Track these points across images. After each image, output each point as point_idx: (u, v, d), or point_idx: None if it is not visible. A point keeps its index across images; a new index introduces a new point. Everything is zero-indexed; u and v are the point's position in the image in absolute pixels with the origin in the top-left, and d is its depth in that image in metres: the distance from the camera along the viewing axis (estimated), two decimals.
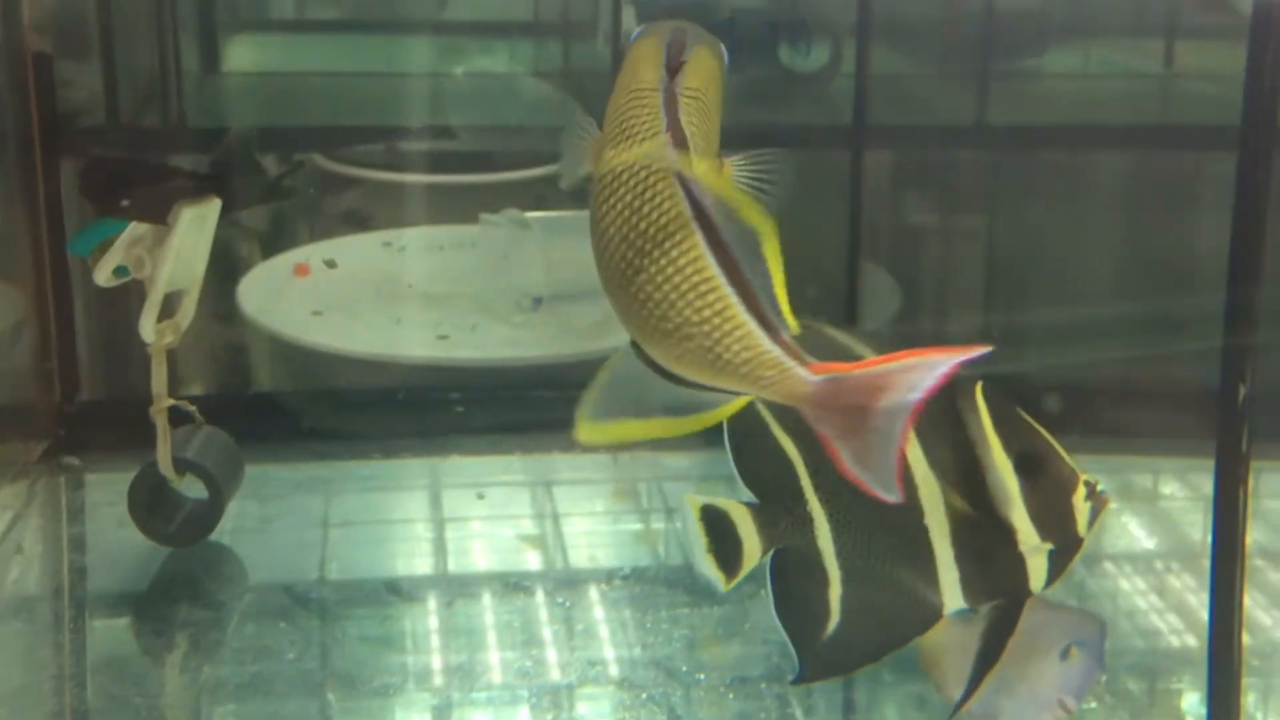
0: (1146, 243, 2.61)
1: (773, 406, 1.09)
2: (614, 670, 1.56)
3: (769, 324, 0.87)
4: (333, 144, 2.93)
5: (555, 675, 1.56)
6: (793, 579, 1.14)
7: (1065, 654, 1.14)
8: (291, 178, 1.95)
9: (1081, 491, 1.09)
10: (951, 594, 1.10)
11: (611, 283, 0.89)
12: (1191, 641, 1.65)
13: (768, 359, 0.86)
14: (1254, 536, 1.90)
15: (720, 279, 0.87)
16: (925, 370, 0.83)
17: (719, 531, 1.14)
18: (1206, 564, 1.18)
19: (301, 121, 2.89)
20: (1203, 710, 1.53)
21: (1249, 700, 1.57)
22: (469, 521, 1.96)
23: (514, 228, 2.42)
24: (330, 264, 2.53)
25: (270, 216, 2.86)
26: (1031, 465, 1.07)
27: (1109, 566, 1.84)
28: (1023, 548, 1.08)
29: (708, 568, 1.13)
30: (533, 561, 1.84)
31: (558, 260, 2.37)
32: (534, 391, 2.21)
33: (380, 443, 2.10)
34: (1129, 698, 1.56)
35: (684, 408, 0.91)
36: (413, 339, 2.31)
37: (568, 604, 1.70)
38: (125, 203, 1.62)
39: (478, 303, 2.42)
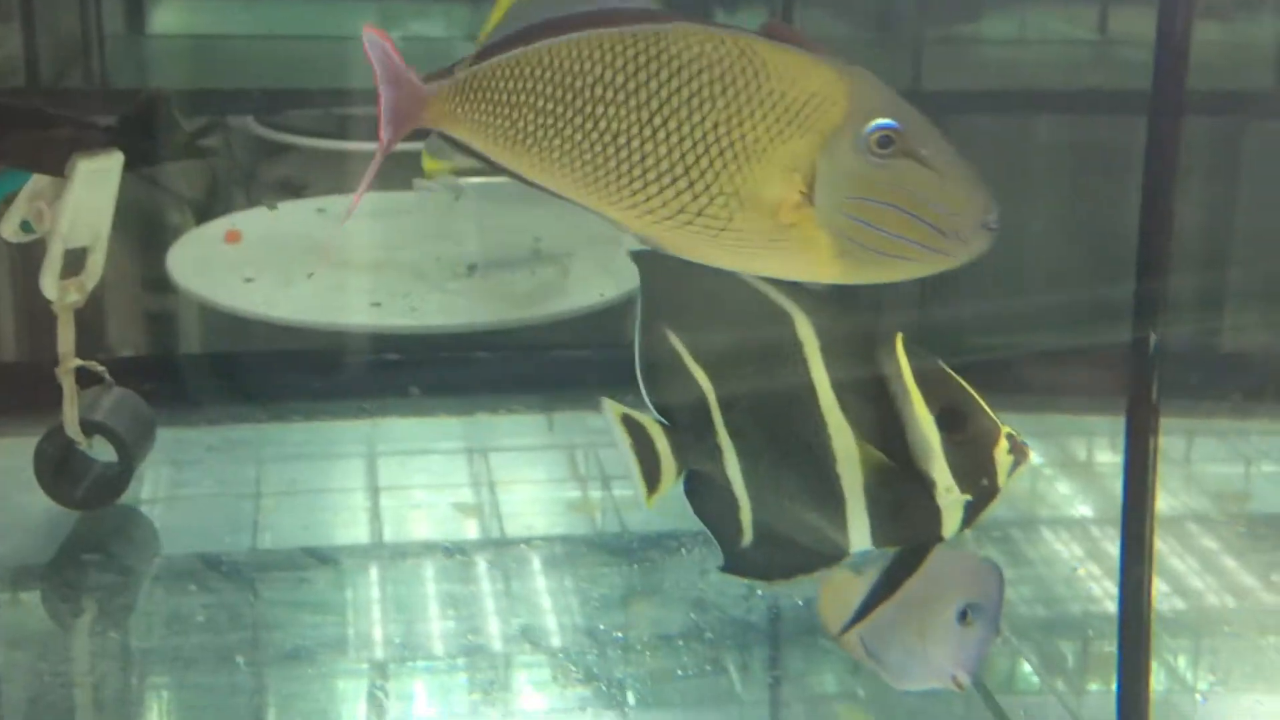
0: (1082, 205, 2.63)
1: (686, 336, 1.12)
2: (549, 638, 1.56)
3: None
4: (263, 108, 2.90)
5: (486, 643, 1.55)
6: (706, 499, 1.15)
7: (963, 617, 1.13)
8: (206, 135, 1.92)
9: (1004, 444, 1.08)
10: (860, 537, 1.11)
11: None
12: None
13: None
14: (1188, 501, 1.93)
15: None
16: None
17: (641, 443, 1.14)
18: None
19: (230, 85, 2.86)
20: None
21: (1180, 662, 1.59)
22: (403, 490, 1.95)
23: (448, 193, 2.39)
24: (271, 207, 2.50)
25: (205, 184, 2.82)
26: (953, 418, 1.07)
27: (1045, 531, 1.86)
28: (940, 499, 1.08)
29: (635, 476, 1.13)
30: (468, 530, 1.83)
31: (492, 226, 2.36)
32: (470, 357, 2.20)
33: (311, 406, 2.09)
34: (1062, 660, 1.58)
35: None
36: (345, 306, 2.29)
37: (502, 572, 1.69)
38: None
39: (412, 269, 2.40)
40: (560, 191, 1.00)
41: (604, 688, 1.48)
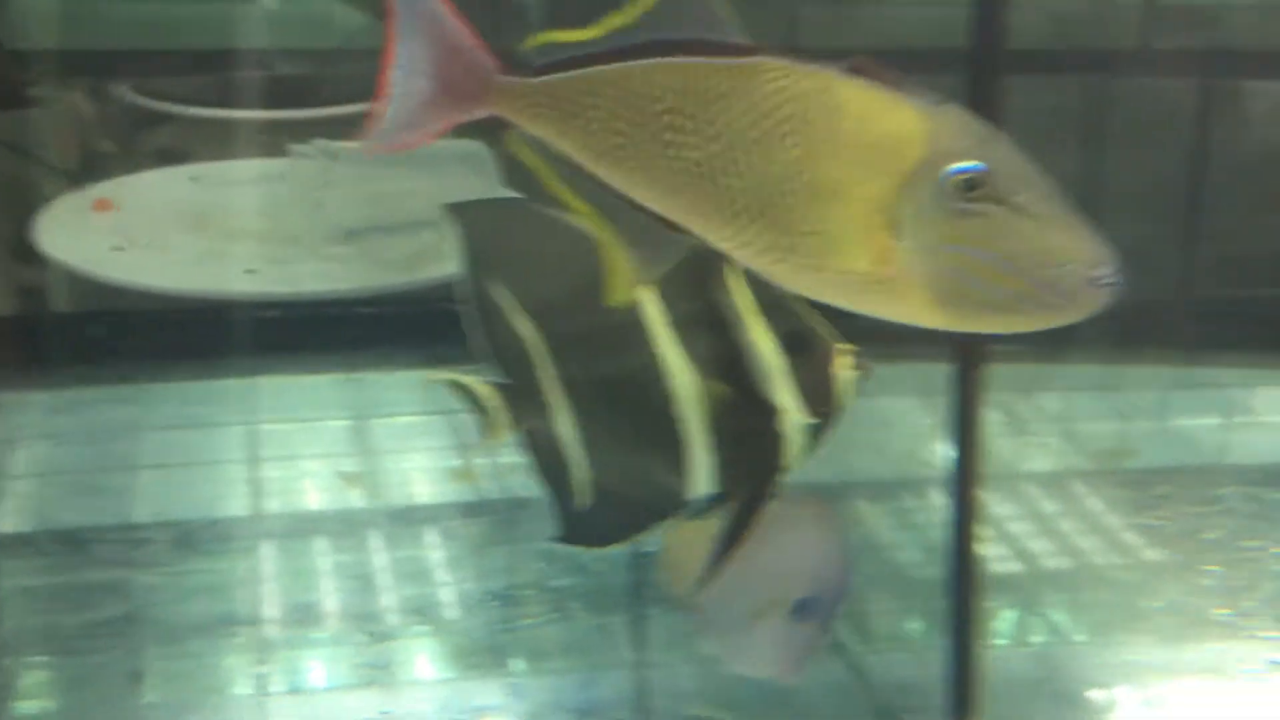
0: None
1: (511, 290, 1.11)
2: (432, 607, 1.55)
3: None
4: (138, 70, 2.83)
5: (373, 614, 1.55)
6: (540, 457, 1.13)
7: (799, 611, 1.12)
8: (34, 85, 1.87)
9: (845, 361, 1.08)
10: (702, 480, 1.09)
11: None
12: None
13: None
14: (1067, 458, 1.97)
15: None
16: None
17: (470, 405, 1.12)
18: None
19: (105, 47, 2.80)
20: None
21: (1059, 615, 1.62)
22: (285, 460, 1.93)
23: (324, 159, 2.37)
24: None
25: (80, 154, 2.76)
26: (794, 340, 1.06)
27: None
28: (785, 425, 1.07)
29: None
30: (351, 499, 1.82)
31: (370, 191, 2.33)
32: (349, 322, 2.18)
33: (186, 372, 2.06)
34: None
35: None
36: (219, 274, 2.25)
37: (385, 541, 1.69)
38: None
39: (287, 236, 2.37)
40: (665, 214, 0.94)
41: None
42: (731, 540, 1.10)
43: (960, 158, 0.87)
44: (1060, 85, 2.74)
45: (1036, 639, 1.57)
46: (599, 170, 0.94)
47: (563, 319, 1.11)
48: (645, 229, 0.95)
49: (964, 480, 1.13)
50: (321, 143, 2.39)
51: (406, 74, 0.93)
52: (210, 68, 2.83)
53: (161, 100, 2.86)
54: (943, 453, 1.95)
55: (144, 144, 2.91)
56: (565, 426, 1.11)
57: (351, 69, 2.86)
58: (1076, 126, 2.76)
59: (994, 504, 1.82)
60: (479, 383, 1.12)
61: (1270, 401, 2.19)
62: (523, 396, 1.12)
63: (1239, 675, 1.47)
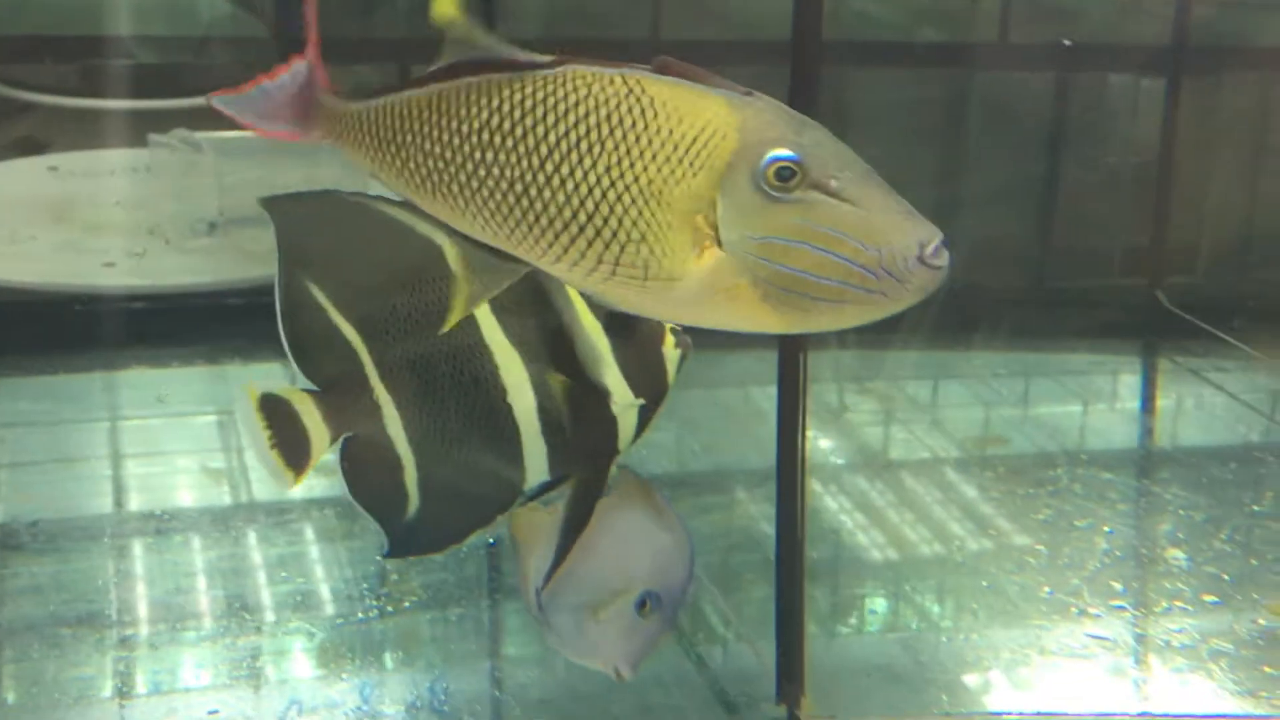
0: None
1: (330, 289, 1.07)
2: (307, 600, 1.55)
3: None
4: None
5: (236, 612, 1.54)
6: (365, 465, 1.08)
7: (641, 606, 1.11)
8: None
9: (670, 340, 1.07)
10: (536, 468, 1.07)
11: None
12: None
13: None
14: (937, 446, 2.00)
15: None
16: None
17: (282, 422, 1.06)
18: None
19: None
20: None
21: (929, 603, 1.65)
22: (148, 456, 1.90)
23: (185, 149, 2.34)
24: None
25: None
26: (619, 322, 1.04)
27: None
28: (615, 408, 1.05)
29: (271, 463, 1.05)
30: (216, 495, 1.80)
31: (233, 183, 2.31)
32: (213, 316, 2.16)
33: (42, 366, 2.03)
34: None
35: None
36: (76, 266, 2.22)
37: (248, 537, 1.68)
38: None
39: (148, 228, 2.33)
40: (480, 238, 0.92)
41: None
42: (573, 527, 1.09)
43: (774, 147, 0.85)
44: (920, 79, 2.78)
45: (910, 626, 1.60)
46: (421, 200, 0.92)
47: (385, 314, 1.07)
48: (475, 257, 0.93)
49: (788, 468, 1.15)
50: (183, 133, 2.36)
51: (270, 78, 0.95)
52: (71, 55, 2.78)
53: (20, 89, 2.81)
54: (815, 440, 1.99)
55: (3, 134, 2.86)
56: (394, 427, 1.07)
57: (214, 58, 2.83)
58: (935, 120, 2.81)
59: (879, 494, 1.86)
60: (294, 392, 1.07)
61: (1122, 387, 2.26)
62: (343, 402, 1.07)
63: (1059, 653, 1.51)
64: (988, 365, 2.24)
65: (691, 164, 0.86)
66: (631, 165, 0.87)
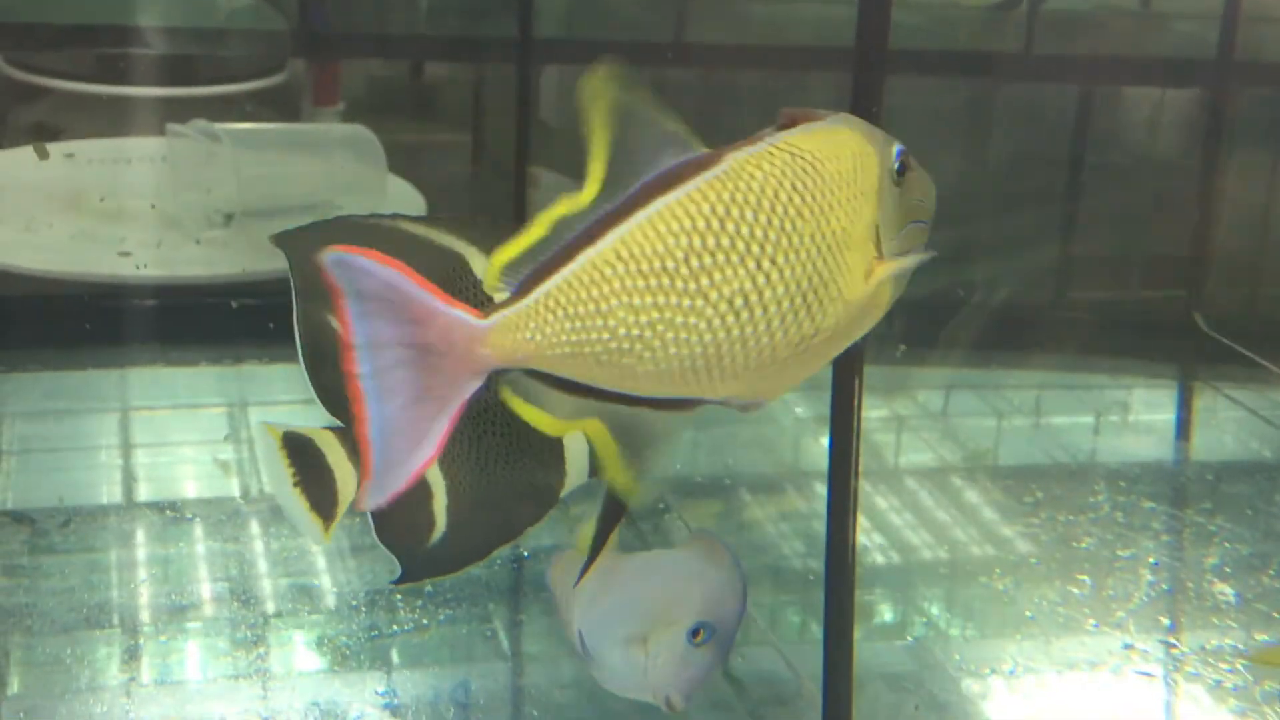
0: None
1: None
2: (315, 598, 1.53)
3: None
4: (11, 43, 2.77)
5: (249, 606, 1.52)
6: (393, 502, 1.00)
7: (694, 635, 1.08)
8: None
9: None
10: (578, 468, 1.02)
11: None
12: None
13: None
14: (945, 454, 1.99)
15: None
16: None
17: (306, 462, 1.01)
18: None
19: None
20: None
21: (935, 610, 1.64)
22: (159, 446, 1.89)
23: (204, 140, 2.32)
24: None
25: None
26: None
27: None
28: None
29: (297, 509, 1.01)
30: (228, 487, 1.78)
31: (251, 174, 2.29)
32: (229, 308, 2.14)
33: (58, 357, 2.01)
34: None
35: None
36: (92, 255, 2.20)
37: (260, 532, 1.66)
38: None
39: (165, 218, 2.32)
40: (659, 392, 0.87)
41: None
42: (609, 518, 1.02)
43: (888, 146, 0.92)
44: (944, 88, 2.77)
45: (914, 633, 1.59)
46: (619, 378, 0.86)
47: None
48: (630, 429, 0.88)
49: (842, 477, 1.13)
50: (201, 123, 2.34)
51: (375, 375, 0.81)
52: (89, 44, 2.77)
53: (37, 74, 2.80)
54: (825, 447, 1.97)
55: (18, 118, 2.85)
56: None
57: (234, 49, 2.82)
58: (959, 129, 2.80)
59: (881, 498, 1.84)
60: (318, 432, 1.02)
61: (1145, 403, 2.24)
62: None
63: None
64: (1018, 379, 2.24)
65: (862, 195, 0.90)
66: (827, 222, 0.88)
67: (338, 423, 1.03)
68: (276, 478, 1.01)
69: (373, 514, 1.04)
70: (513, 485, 1.04)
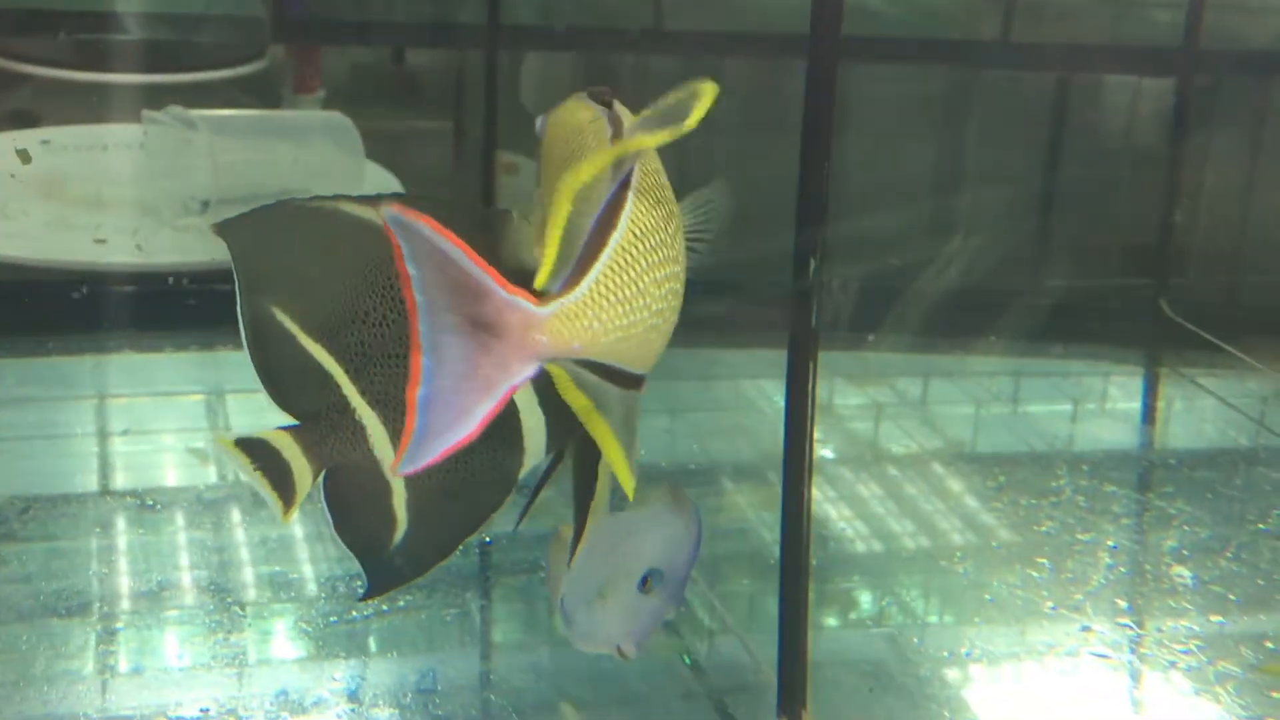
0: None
1: (296, 311, 1.01)
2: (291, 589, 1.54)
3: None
4: None
5: (224, 594, 1.53)
6: (351, 496, 1.02)
7: (643, 583, 1.08)
8: None
9: None
10: (535, 448, 1.01)
11: None
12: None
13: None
14: (925, 442, 2.00)
15: None
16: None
17: (264, 463, 1.00)
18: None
19: None
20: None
21: (911, 597, 1.65)
22: (136, 434, 1.89)
23: (180, 127, 2.32)
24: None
25: None
26: None
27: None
28: None
29: (264, 494, 1.00)
30: (204, 475, 1.78)
31: (227, 162, 2.29)
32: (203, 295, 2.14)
33: (31, 344, 2.01)
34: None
35: None
36: (67, 242, 2.20)
37: (232, 523, 1.66)
38: None
39: (141, 205, 2.32)
40: (652, 365, 0.88)
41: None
42: (585, 494, 1.05)
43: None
44: (919, 76, 2.78)
45: (890, 621, 1.59)
46: (636, 353, 0.86)
47: (355, 325, 1.00)
48: (615, 400, 0.88)
49: (796, 462, 1.14)
50: (178, 110, 2.34)
51: (431, 338, 0.79)
52: (67, 30, 2.77)
53: (15, 61, 2.79)
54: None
55: None
56: (381, 445, 1.01)
57: (213, 35, 2.82)
58: (936, 116, 2.80)
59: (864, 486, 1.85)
60: (272, 432, 1.01)
61: (1113, 389, 2.25)
62: (323, 430, 1.01)
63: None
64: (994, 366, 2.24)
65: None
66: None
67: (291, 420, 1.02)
68: (241, 469, 1.01)
69: (332, 513, 1.03)
70: (473, 471, 1.02)
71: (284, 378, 1.02)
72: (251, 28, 2.86)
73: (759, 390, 2.06)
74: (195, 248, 2.21)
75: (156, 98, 2.46)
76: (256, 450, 1.01)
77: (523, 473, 1.04)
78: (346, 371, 1.01)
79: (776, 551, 1.63)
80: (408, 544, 1.04)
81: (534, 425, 1.02)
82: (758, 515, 1.75)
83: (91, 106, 2.63)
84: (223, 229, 1.01)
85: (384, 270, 0.99)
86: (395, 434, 1.00)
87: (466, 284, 0.79)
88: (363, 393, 1.01)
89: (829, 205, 1.15)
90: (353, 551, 1.04)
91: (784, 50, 2.61)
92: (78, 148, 2.49)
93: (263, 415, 1.90)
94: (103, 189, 2.36)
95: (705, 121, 0.90)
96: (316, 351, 1.01)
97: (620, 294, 0.84)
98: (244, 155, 2.34)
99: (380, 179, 2.43)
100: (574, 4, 2.81)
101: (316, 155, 2.40)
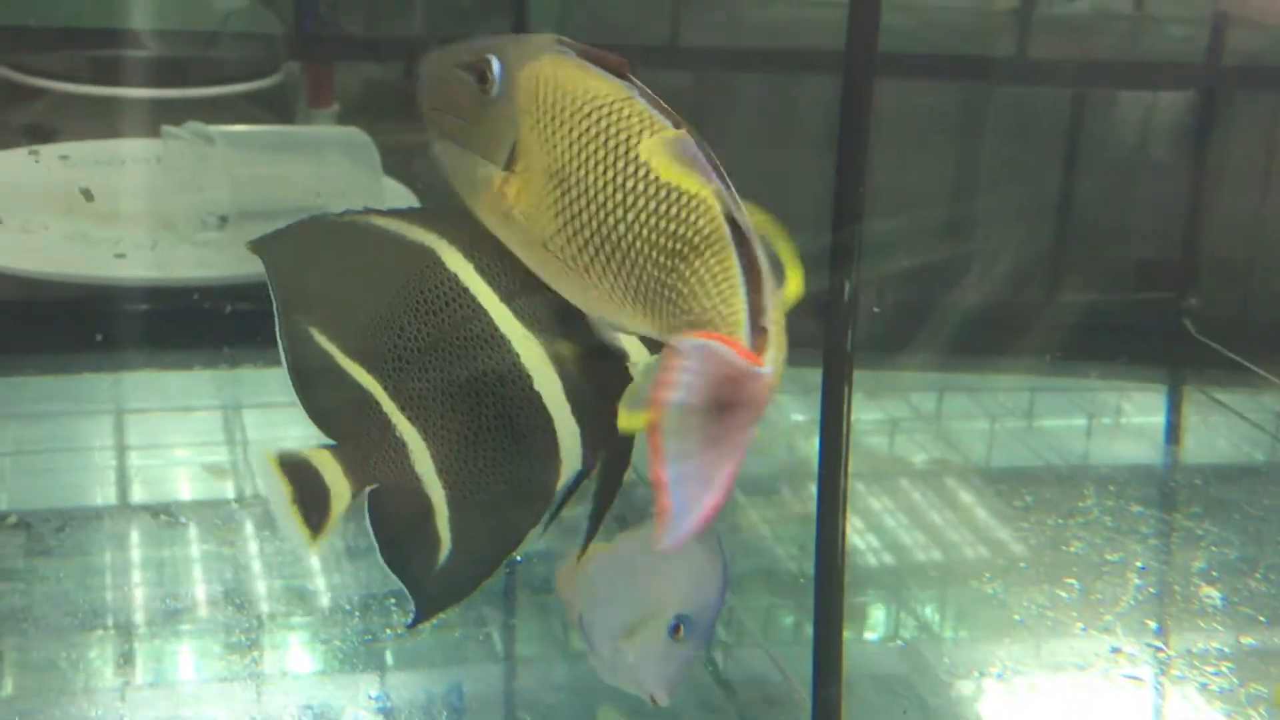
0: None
1: (334, 329, 1.00)
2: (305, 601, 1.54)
3: (756, 321, 0.84)
4: (5, 46, 2.77)
5: (244, 607, 1.53)
6: (395, 519, 1.01)
7: (674, 630, 1.07)
8: None
9: None
10: (571, 457, 1.01)
11: (645, 283, 0.86)
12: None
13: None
14: (940, 455, 2.00)
15: (739, 281, 0.85)
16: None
17: (303, 483, 0.99)
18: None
19: None
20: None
21: (928, 611, 1.65)
22: (152, 449, 1.89)
23: (198, 142, 2.32)
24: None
25: None
26: None
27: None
28: (633, 369, 1.00)
29: (291, 523, 0.98)
30: (218, 490, 1.78)
31: (245, 176, 2.29)
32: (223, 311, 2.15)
33: (51, 361, 2.01)
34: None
35: None
36: (88, 257, 2.20)
37: (249, 539, 1.66)
38: None
39: (159, 220, 2.32)
40: None
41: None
42: (603, 500, 1.04)
43: None
44: (937, 91, 2.78)
45: (906, 635, 1.59)
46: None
47: (393, 340, 1.00)
48: None
49: (831, 480, 1.14)
50: (196, 125, 2.34)
51: (677, 430, 0.81)
52: (85, 46, 2.78)
53: (32, 75, 2.80)
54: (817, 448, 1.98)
55: (13, 119, 2.85)
56: (422, 462, 1.01)
57: (228, 51, 2.83)
58: (952, 131, 2.80)
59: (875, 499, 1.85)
60: (314, 450, 1.00)
61: (1135, 406, 2.25)
62: (368, 447, 1.01)
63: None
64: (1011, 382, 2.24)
65: None
66: None
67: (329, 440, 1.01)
68: (275, 495, 1.00)
69: (378, 536, 1.02)
70: (512, 485, 1.02)
71: (323, 398, 1.01)
72: (266, 43, 2.87)
73: (772, 405, 2.06)
74: (215, 262, 2.21)
75: (171, 112, 2.46)
76: (297, 469, 1.00)
77: (560, 484, 1.03)
78: (385, 389, 1.00)
79: (790, 565, 1.63)
80: (452, 564, 1.03)
81: (569, 436, 1.02)
82: (772, 530, 1.75)
83: (108, 121, 2.63)
84: (259, 247, 1.01)
85: (419, 285, 0.99)
86: (435, 450, 1.00)
87: (732, 378, 0.82)
88: (402, 409, 1.01)
89: (863, 227, 1.15)
90: (398, 576, 1.04)
91: (801, 66, 2.62)
92: (96, 162, 2.50)
93: (280, 430, 1.93)
94: (122, 203, 2.36)
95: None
96: (354, 369, 1.00)
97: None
98: (262, 170, 2.34)
99: (397, 193, 2.43)
100: (590, 20, 2.82)
101: (333, 170, 2.40)
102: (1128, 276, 2.62)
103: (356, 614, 1.51)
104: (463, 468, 1.01)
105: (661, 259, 0.86)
